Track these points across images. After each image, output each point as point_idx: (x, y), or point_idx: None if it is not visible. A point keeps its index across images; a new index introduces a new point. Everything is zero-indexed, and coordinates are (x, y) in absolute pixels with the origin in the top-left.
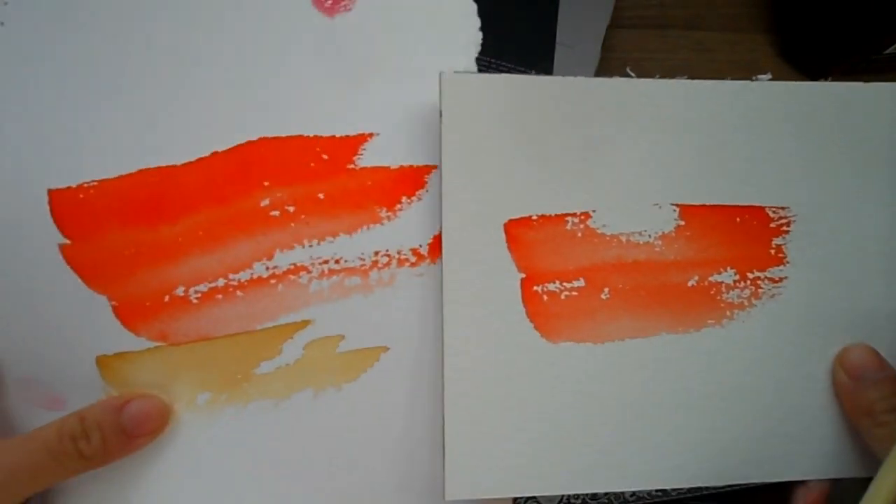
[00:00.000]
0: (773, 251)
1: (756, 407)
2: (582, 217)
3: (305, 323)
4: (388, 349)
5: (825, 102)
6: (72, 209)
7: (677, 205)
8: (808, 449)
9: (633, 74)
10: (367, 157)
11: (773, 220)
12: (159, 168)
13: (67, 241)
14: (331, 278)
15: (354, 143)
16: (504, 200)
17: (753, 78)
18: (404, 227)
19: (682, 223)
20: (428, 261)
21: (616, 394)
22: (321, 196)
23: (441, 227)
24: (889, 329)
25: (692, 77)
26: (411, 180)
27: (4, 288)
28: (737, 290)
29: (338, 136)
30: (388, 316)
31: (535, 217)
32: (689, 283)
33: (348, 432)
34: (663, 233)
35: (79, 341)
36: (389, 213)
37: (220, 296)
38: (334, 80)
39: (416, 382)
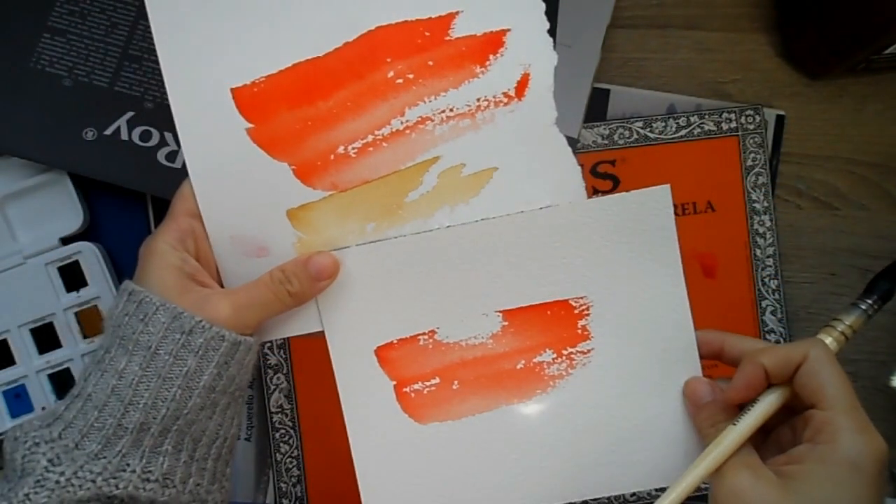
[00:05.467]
0: (579, 331)
1: (595, 436)
2: (430, 334)
3: (435, 159)
4: (497, 168)
5: (596, 215)
6: (250, 100)
7: (500, 311)
8: (658, 456)
9: (448, 224)
10: (459, 29)
11: (575, 307)
12: (308, 60)
13: (252, 126)
14: (448, 123)
15: (447, 20)
16: (372, 331)
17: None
18: (495, 77)
19: (506, 323)
20: (516, 100)
21: (479, 452)
22: (431, 63)
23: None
24: (680, 363)
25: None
26: (494, 42)
27: (214, 170)
28: (556, 364)
29: (433, 16)
30: (494, 144)
31: (395, 341)
32: (518, 367)
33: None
34: (493, 333)
35: (272, 201)
36: (482, 69)
37: (371, 149)
38: None
39: (525, 193)
